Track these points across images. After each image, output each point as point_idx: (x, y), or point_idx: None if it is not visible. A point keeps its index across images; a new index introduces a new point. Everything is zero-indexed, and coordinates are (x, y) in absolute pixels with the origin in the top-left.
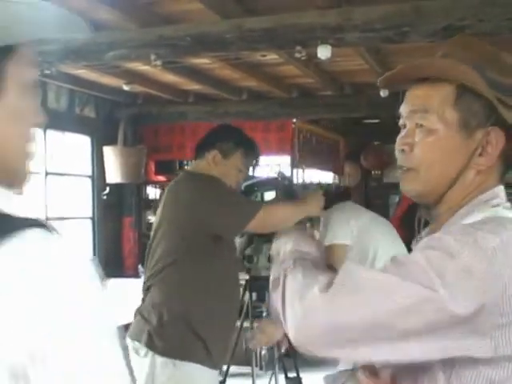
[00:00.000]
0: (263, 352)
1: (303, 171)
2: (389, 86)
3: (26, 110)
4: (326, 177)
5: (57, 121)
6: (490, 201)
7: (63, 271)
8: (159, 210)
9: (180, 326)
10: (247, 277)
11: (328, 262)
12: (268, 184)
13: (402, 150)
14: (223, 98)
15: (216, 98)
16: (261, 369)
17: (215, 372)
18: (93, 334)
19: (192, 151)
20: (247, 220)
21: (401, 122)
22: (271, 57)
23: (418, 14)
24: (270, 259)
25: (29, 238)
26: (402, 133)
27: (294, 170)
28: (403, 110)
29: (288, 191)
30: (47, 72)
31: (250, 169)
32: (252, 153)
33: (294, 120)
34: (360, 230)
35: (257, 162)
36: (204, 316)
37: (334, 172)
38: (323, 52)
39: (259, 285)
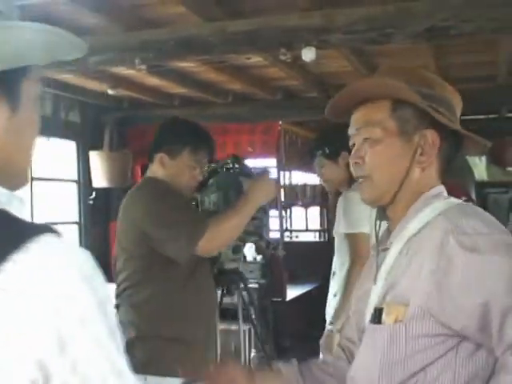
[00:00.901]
0: (252, 354)
1: (290, 173)
2: (335, 116)
3: (35, 121)
4: (312, 179)
5: (42, 126)
6: (441, 194)
7: (78, 270)
8: (119, 220)
9: (149, 343)
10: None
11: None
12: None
13: (356, 163)
14: (209, 100)
15: (202, 101)
16: None
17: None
18: (103, 328)
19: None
20: (191, 245)
21: (350, 143)
22: (256, 59)
23: (402, 16)
24: (234, 250)
25: (45, 242)
26: (353, 150)
27: (281, 172)
28: (350, 131)
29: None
30: None
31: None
32: (203, 146)
33: (280, 122)
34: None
35: (211, 154)
36: (173, 334)
37: None
38: (308, 54)
39: (226, 279)
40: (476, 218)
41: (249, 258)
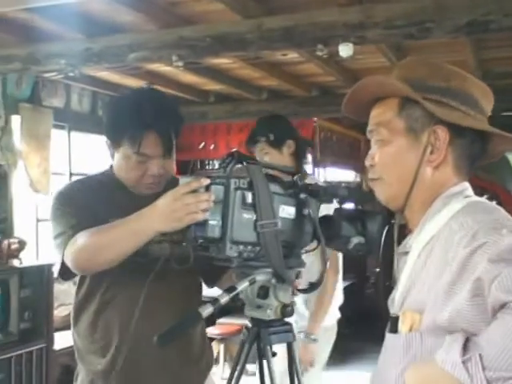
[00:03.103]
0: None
1: (324, 170)
2: (354, 116)
3: None
4: (348, 175)
5: (80, 122)
6: (462, 192)
7: None
8: None
9: None
10: None
11: None
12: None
13: (370, 165)
14: (243, 97)
15: (236, 98)
16: None
17: None
18: None
19: (213, 150)
20: (58, 252)
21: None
22: (291, 55)
23: (441, 10)
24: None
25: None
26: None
27: (316, 169)
28: (367, 133)
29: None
30: (71, 74)
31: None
32: (138, 131)
33: (315, 119)
34: None
35: (138, 136)
36: None
37: (356, 170)
38: (345, 50)
39: None
40: (491, 216)
41: None
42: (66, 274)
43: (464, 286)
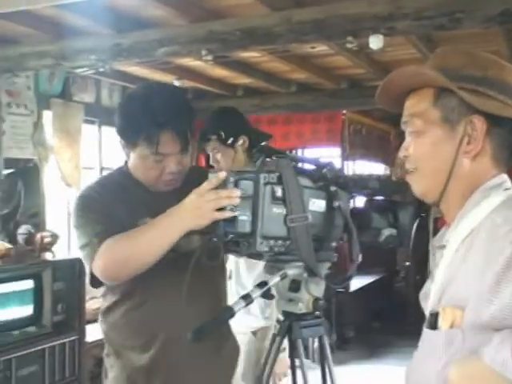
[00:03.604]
0: (315, 344)
1: (354, 163)
2: (388, 107)
3: None
4: (377, 168)
5: (110, 117)
6: (502, 185)
7: None
8: None
9: None
10: None
11: None
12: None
13: (404, 157)
14: (272, 90)
15: (265, 91)
16: (313, 361)
17: None
18: None
19: None
20: (87, 260)
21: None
22: (321, 48)
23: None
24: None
25: None
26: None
27: (345, 162)
28: (401, 124)
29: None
30: (101, 70)
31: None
32: (154, 131)
33: (344, 111)
34: None
35: (155, 136)
36: None
37: (385, 163)
38: (375, 42)
39: None
40: None
41: None
42: (96, 283)
43: None
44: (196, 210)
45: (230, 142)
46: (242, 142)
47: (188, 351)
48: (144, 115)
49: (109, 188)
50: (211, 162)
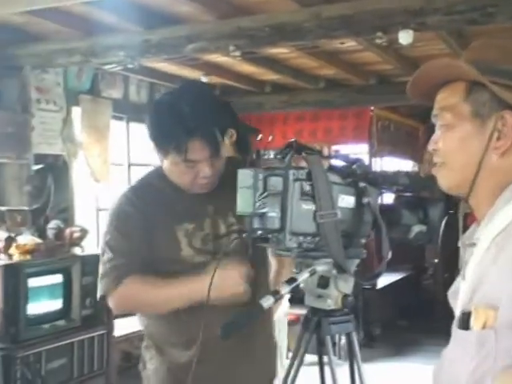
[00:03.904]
0: (342, 341)
1: (381, 159)
2: (420, 99)
3: None
4: (405, 165)
5: (138, 113)
6: None
7: None
8: None
9: None
10: None
11: None
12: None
13: (433, 150)
14: (300, 87)
15: (293, 88)
16: (339, 358)
17: None
18: None
19: (272, 141)
20: (102, 292)
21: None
22: (349, 44)
23: None
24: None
25: None
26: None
27: (372, 159)
28: (432, 117)
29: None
30: (130, 66)
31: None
32: (182, 140)
33: (372, 107)
34: None
35: (183, 144)
36: None
37: (413, 160)
38: (404, 37)
39: None
40: None
41: None
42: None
43: None
44: (218, 284)
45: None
46: (230, 135)
47: (228, 350)
48: (172, 124)
49: (145, 194)
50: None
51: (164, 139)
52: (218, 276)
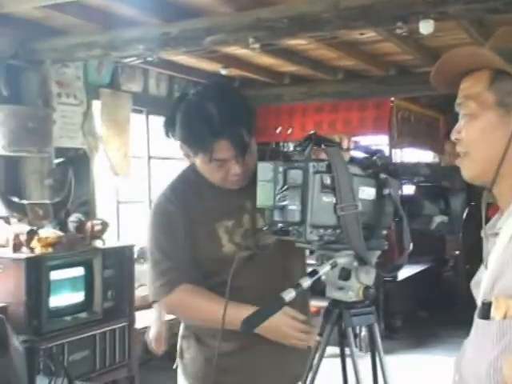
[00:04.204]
0: (363, 333)
1: (401, 151)
2: (443, 87)
3: None
4: (425, 156)
5: (158, 106)
6: None
7: None
8: None
9: None
10: None
11: None
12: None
13: (456, 139)
14: (319, 78)
15: (312, 79)
16: (360, 350)
17: None
18: None
19: (291, 133)
20: (154, 297)
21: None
22: (369, 35)
23: None
24: None
25: None
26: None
27: (392, 150)
28: (455, 106)
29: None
30: (149, 59)
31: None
32: (208, 141)
33: (392, 98)
34: None
35: (209, 145)
36: None
37: (434, 151)
38: (425, 27)
39: None
40: None
41: None
42: None
43: None
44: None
45: None
46: None
47: (267, 343)
48: (199, 126)
49: (183, 192)
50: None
51: (191, 140)
52: (272, 323)
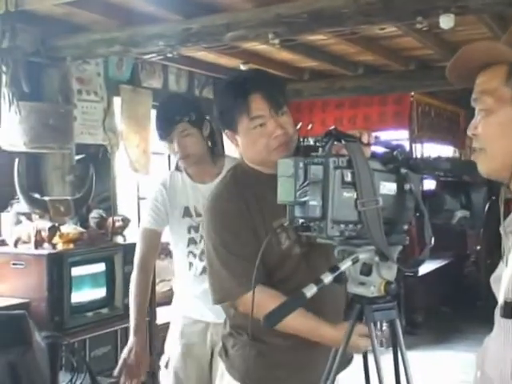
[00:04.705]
0: (384, 328)
1: (422, 145)
2: (458, 82)
3: None
4: (446, 151)
5: None
6: None
7: None
8: None
9: None
10: None
11: None
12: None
13: (472, 135)
14: (339, 73)
15: (331, 74)
16: (381, 345)
17: None
18: None
19: (311, 129)
20: (221, 297)
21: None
22: (389, 29)
23: None
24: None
25: None
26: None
27: (413, 145)
28: (471, 100)
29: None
30: (169, 55)
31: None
32: (244, 98)
33: (412, 93)
34: None
35: (245, 102)
36: None
37: (455, 146)
38: (446, 22)
39: None
40: None
41: None
42: None
43: None
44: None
45: (198, 124)
46: (205, 126)
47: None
48: (233, 89)
49: (239, 193)
50: (176, 149)
51: (231, 111)
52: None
